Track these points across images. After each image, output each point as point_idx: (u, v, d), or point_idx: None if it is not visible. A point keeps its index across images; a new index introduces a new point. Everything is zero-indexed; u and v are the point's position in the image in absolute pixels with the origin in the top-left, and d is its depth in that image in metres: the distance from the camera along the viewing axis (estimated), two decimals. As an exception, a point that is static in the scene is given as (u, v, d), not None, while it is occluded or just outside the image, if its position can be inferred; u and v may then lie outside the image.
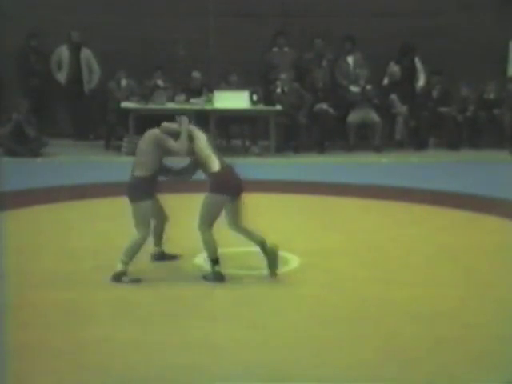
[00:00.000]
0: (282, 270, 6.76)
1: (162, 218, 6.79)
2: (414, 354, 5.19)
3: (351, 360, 5.08)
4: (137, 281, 6.38)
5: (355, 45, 13.62)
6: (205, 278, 6.45)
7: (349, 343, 5.35)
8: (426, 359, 5.11)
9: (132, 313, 5.82)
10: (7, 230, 7.91)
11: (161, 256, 6.90)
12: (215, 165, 6.37)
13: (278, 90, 13.03)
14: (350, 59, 13.68)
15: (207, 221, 6.35)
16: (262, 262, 6.69)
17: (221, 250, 6.52)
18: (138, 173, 6.42)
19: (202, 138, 6.49)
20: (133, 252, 6.37)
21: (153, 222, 6.67)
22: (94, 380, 4.78)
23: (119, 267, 6.36)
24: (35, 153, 12.31)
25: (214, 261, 6.43)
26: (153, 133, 6.49)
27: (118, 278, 6.35)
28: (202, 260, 6.82)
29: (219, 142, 12.53)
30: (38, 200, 9.30)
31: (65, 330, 5.48)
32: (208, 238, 6.36)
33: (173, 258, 6.95)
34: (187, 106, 12.68)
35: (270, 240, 6.59)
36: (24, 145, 12.26)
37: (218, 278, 6.41)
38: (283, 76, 13.09)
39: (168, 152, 6.45)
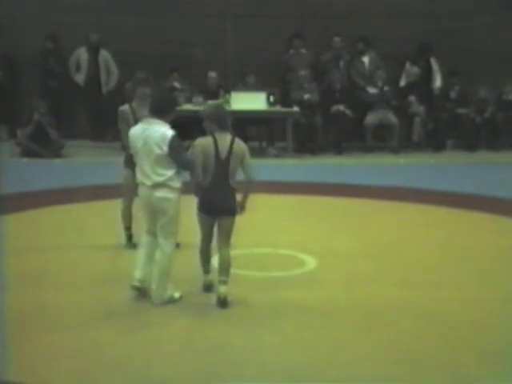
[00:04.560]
0: (298, 271, 6.78)
1: None
2: (428, 355, 5.18)
3: (366, 361, 5.09)
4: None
5: (368, 45, 13.61)
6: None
7: (363, 345, 5.35)
8: (441, 360, 5.11)
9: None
10: (25, 230, 7.98)
11: None
12: None
13: (296, 92, 13.02)
14: (366, 59, 13.66)
15: None
16: (274, 263, 6.72)
17: (234, 252, 6.52)
18: (233, 183, 5.83)
19: None
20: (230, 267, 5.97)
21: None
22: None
23: (224, 289, 5.84)
24: (56, 154, 12.38)
25: None
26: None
27: (225, 302, 5.87)
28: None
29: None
30: (56, 200, 9.34)
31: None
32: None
33: None
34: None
35: (286, 241, 6.58)
36: (45, 146, 12.32)
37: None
38: (300, 73, 13.07)
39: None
